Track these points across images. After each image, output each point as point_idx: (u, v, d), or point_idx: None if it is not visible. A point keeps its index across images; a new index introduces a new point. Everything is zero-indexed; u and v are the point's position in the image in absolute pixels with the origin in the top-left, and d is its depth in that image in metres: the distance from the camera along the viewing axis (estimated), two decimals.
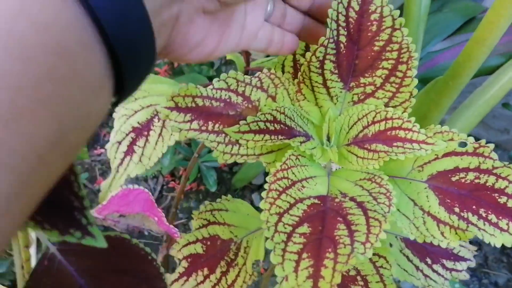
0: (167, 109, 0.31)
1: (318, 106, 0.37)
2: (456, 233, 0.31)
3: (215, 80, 0.34)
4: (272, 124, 0.33)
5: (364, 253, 0.26)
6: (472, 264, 0.41)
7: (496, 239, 0.30)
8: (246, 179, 1.00)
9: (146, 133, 0.50)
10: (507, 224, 0.30)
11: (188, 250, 0.48)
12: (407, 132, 0.33)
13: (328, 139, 0.36)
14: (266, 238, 0.28)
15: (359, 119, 0.36)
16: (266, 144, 0.32)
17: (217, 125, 0.33)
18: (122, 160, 0.50)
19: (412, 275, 0.39)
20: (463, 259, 0.41)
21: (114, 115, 0.51)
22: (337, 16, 0.34)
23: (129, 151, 0.50)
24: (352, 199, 0.30)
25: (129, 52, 0.20)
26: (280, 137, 0.33)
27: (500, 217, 0.30)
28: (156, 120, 0.50)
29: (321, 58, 0.35)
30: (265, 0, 0.32)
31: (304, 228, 0.28)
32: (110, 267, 0.33)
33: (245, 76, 0.35)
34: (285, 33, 0.34)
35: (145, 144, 0.50)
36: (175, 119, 0.31)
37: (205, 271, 0.47)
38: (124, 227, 0.55)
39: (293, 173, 0.32)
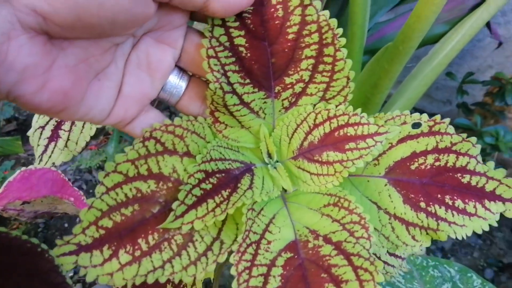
0: (71, 255, 0.22)
1: (246, 128, 0.30)
2: (428, 233, 0.29)
3: (100, 177, 0.24)
4: (206, 182, 0.26)
5: None
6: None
7: (466, 229, 0.28)
8: None
9: None
10: (474, 206, 0.29)
11: None
12: (356, 127, 0.29)
13: (270, 157, 0.30)
14: None
15: (298, 126, 0.30)
16: (216, 215, 0.25)
17: (150, 237, 0.24)
18: (46, 146, 0.47)
19: None
20: None
21: None
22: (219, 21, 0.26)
23: (54, 136, 0.47)
24: (326, 240, 0.26)
25: None
26: (224, 193, 0.26)
27: (466, 200, 0.29)
28: None
29: (222, 71, 0.27)
30: (162, 72, 0.28)
31: None
32: None
33: (137, 145, 0.25)
34: None
35: (71, 128, 0.47)
36: (91, 264, 0.22)
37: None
38: (31, 215, 0.47)
39: (254, 232, 0.26)
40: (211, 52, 0.27)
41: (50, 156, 0.46)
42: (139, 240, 0.24)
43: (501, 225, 1.09)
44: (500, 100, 0.99)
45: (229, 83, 0.28)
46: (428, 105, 1.27)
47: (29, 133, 0.47)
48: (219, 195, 0.26)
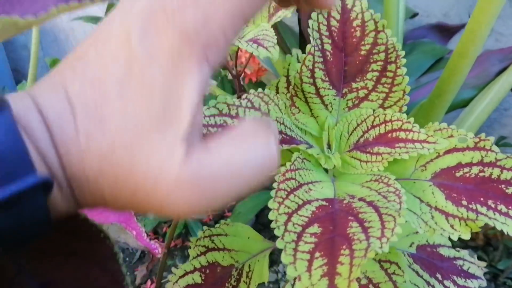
0: None
1: (314, 116, 0.37)
2: (467, 224, 0.30)
3: (205, 108, 0.34)
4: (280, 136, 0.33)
5: (381, 247, 0.25)
6: (484, 283, 0.39)
7: (508, 227, 0.29)
8: None
9: None
10: None
11: (186, 281, 0.45)
12: (407, 133, 0.33)
13: (329, 147, 0.36)
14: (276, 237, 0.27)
15: (358, 125, 0.36)
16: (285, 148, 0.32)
17: None
18: None
19: None
20: (474, 276, 0.39)
21: None
22: (318, 26, 0.35)
23: None
24: (361, 199, 0.30)
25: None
26: (284, 145, 0.33)
27: (510, 207, 0.30)
28: None
29: (310, 67, 0.35)
30: None
31: (315, 228, 0.27)
32: (55, 246, 0.28)
33: (235, 99, 0.35)
34: None
35: None
36: None
37: None
38: None
39: (300, 175, 0.31)
40: (312, 49, 0.35)
41: None
42: None
43: None
44: None
45: (312, 76, 0.36)
46: None
47: None
48: (280, 144, 0.32)
